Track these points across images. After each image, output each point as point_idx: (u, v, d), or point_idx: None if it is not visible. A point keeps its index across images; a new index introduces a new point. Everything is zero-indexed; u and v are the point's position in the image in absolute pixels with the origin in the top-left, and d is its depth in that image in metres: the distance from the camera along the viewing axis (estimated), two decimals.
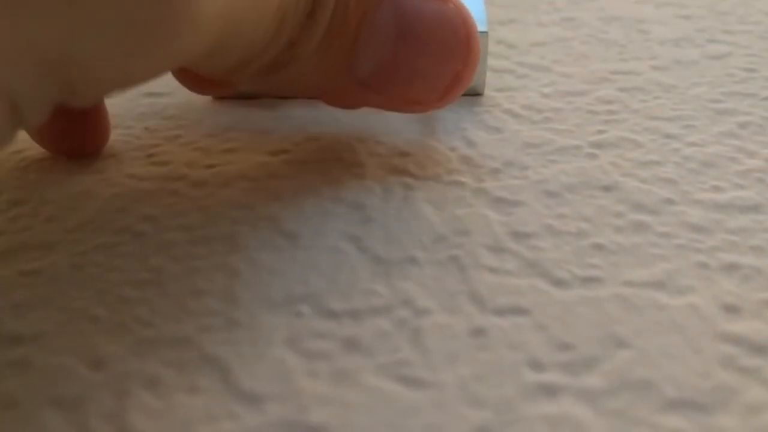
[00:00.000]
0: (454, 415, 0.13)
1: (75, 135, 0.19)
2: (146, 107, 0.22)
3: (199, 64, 0.15)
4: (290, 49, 0.16)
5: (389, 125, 0.20)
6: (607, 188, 0.18)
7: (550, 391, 0.13)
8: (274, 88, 0.18)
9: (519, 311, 0.14)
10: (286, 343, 0.14)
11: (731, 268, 0.15)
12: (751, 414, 0.12)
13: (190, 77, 0.18)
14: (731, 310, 0.14)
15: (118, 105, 0.22)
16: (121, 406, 0.13)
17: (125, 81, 0.12)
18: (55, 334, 0.14)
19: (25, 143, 0.20)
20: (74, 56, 0.11)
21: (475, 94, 0.22)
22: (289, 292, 0.15)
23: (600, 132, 0.20)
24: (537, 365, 0.13)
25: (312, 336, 0.14)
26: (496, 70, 0.23)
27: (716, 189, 0.18)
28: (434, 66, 0.17)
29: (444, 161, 0.19)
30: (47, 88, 0.12)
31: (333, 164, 0.19)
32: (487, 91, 0.22)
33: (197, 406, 0.13)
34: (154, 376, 0.13)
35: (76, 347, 0.14)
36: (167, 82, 0.23)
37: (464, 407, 0.13)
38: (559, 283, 0.15)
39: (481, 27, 0.21)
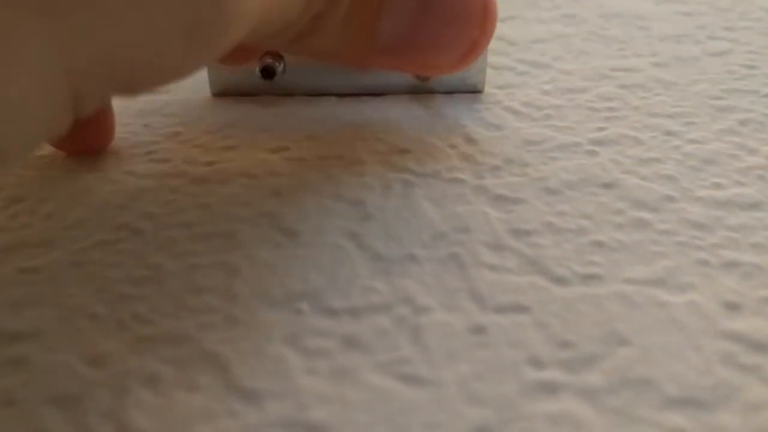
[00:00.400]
0: (454, 413, 0.13)
1: (80, 133, 0.19)
2: (145, 104, 0.21)
3: None
4: (316, 20, 0.16)
5: (389, 122, 0.20)
6: (607, 185, 0.18)
7: (550, 388, 0.13)
8: (296, 53, 0.18)
9: (519, 309, 0.14)
10: (285, 341, 0.14)
11: (732, 265, 0.15)
12: (751, 412, 0.12)
13: None
14: (732, 307, 0.14)
15: (117, 102, 0.22)
16: (120, 404, 0.13)
17: (178, 75, 0.13)
18: (54, 332, 0.14)
19: None
20: (139, 55, 0.12)
21: (475, 91, 0.22)
22: (289, 290, 0.15)
23: (600, 129, 0.20)
24: (537, 363, 0.13)
25: (311, 334, 0.14)
26: (496, 67, 0.23)
27: (717, 186, 0.18)
28: (453, 34, 0.18)
29: (444, 158, 0.19)
30: (111, 83, 0.12)
31: (333, 161, 0.19)
32: (487, 88, 0.22)
33: (197, 404, 0.13)
34: (153, 374, 0.13)
35: (75, 345, 0.14)
36: None
37: (464, 405, 0.13)
38: (559, 280, 0.15)
39: None
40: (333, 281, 0.15)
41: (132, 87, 0.13)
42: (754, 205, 0.17)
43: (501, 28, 0.26)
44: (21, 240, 0.16)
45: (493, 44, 0.24)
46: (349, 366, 0.13)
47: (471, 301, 0.15)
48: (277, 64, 0.20)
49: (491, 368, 0.13)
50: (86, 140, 0.19)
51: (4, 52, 0.11)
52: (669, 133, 0.20)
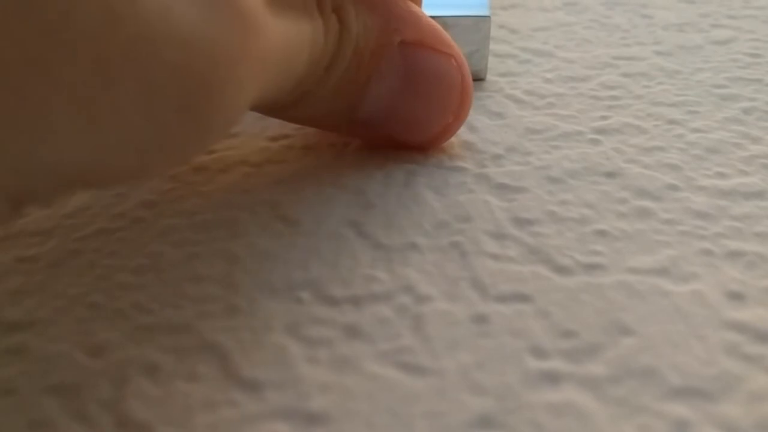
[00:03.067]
0: (456, 402, 0.12)
1: None
2: None
3: None
4: (302, 96, 0.16)
5: None
6: (610, 174, 0.18)
7: (552, 378, 0.13)
8: (274, 117, 0.18)
9: (521, 298, 0.14)
10: (286, 330, 0.14)
11: (735, 255, 0.15)
12: (755, 402, 0.12)
13: None
14: (735, 297, 0.14)
15: None
16: (119, 393, 0.13)
17: (141, 179, 0.12)
18: (53, 321, 0.14)
19: None
20: (92, 170, 0.11)
21: (477, 79, 0.21)
22: (290, 279, 0.15)
23: (603, 118, 0.20)
24: (539, 352, 0.13)
25: (312, 322, 0.14)
26: (498, 55, 0.23)
27: (720, 175, 0.18)
28: (429, 115, 0.18)
29: (446, 147, 0.19)
30: (58, 191, 0.11)
31: (334, 150, 0.19)
32: (489, 76, 0.22)
33: (196, 393, 0.13)
34: (152, 363, 0.13)
35: (74, 334, 0.14)
36: None
37: (466, 395, 0.13)
38: (561, 269, 0.15)
39: (483, 11, 0.21)
40: (334, 270, 0.15)
41: (85, 189, 0.12)
42: (758, 194, 0.17)
43: (503, 16, 0.25)
44: (19, 229, 0.16)
45: (495, 32, 0.24)
46: (350, 355, 0.13)
47: (472, 290, 0.15)
48: None
49: (493, 357, 0.13)
50: None
51: None
52: (672, 121, 0.20)
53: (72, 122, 0.10)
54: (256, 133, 0.19)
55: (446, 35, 0.18)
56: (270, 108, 0.17)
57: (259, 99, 0.14)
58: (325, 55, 0.16)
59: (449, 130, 0.18)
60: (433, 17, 0.20)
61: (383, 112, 0.17)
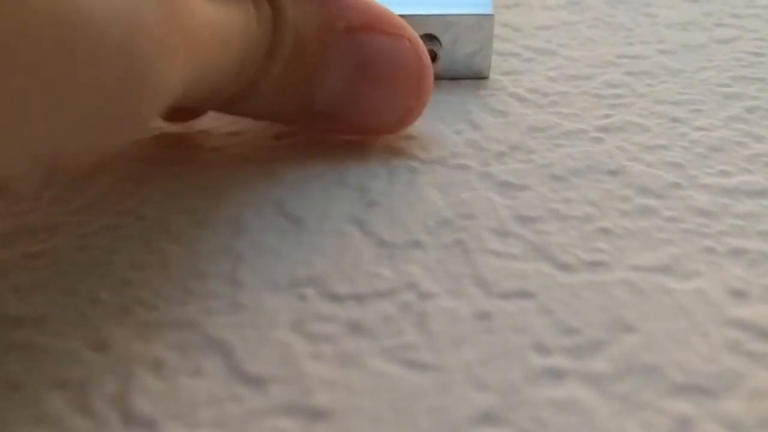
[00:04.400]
0: (459, 398, 0.12)
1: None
2: None
3: None
4: (248, 87, 0.16)
5: None
6: (613, 172, 0.18)
7: (555, 375, 0.13)
8: (233, 114, 0.18)
9: (524, 295, 0.14)
10: (290, 326, 0.14)
11: (738, 253, 0.15)
12: (757, 398, 0.12)
13: None
14: (738, 295, 0.14)
15: None
16: (124, 389, 0.13)
17: (104, 154, 0.13)
18: (59, 317, 0.14)
19: None
20: (63, 148, 0.12)
21: (480, 77, 0.22)
22: (294, 275, 0.15)
23: (606, 116, 0.20)
24: (542, 349, 0.13)
25: (316, 319, 0.14)
26: (501, 53, 0.23)
27: (723, 173, 0.18)
28: (388, 99, 0.18)
29: (449, 145, 0.19)
30: (35, 172, 0.12)
31: (337, 147, 0.19)
32: (493, 75, 0.22)
33: (201, 389, 0.13)
34: (158, 359, 0.13)
35: (79, 330, 0.14)
36: None
37: (469, 391, 0.13)
38: (564, 267, 0.15)
39: (486, 10, 0.21)
40: (338, 267, 0.15)
41: (57, 171, 0.13)
42: (761, 193, 0.17)
43: (506, 15, 0.25)
44: (25, 225, 0.16)
45: (498, 30, 0.24)
46: (354, 351, 0.13)
47: (476, 287, 0.15)
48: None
49: (496, 354, 0.13)
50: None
51: None
52: (675, 120, 0.20)
53: (45, 105, 0.11)
54: (260, 132, 0.19)
55: (397, 17, 0.17)
56: (221, 101, 0.17)
57: (201, 80, 0.14)
58: (262, 40, 0.16)
59: (412, 112, 0.18)
60: (436, 16, 0.21)
61: (340, 101, 0.17)
